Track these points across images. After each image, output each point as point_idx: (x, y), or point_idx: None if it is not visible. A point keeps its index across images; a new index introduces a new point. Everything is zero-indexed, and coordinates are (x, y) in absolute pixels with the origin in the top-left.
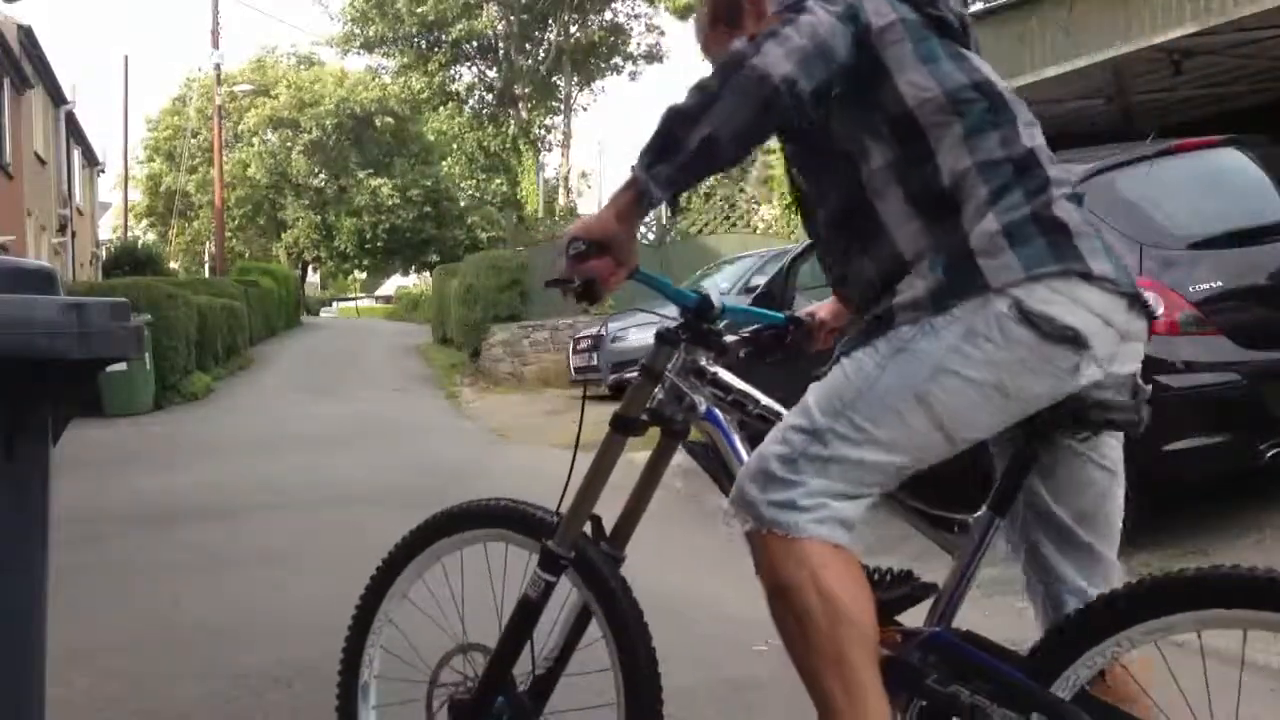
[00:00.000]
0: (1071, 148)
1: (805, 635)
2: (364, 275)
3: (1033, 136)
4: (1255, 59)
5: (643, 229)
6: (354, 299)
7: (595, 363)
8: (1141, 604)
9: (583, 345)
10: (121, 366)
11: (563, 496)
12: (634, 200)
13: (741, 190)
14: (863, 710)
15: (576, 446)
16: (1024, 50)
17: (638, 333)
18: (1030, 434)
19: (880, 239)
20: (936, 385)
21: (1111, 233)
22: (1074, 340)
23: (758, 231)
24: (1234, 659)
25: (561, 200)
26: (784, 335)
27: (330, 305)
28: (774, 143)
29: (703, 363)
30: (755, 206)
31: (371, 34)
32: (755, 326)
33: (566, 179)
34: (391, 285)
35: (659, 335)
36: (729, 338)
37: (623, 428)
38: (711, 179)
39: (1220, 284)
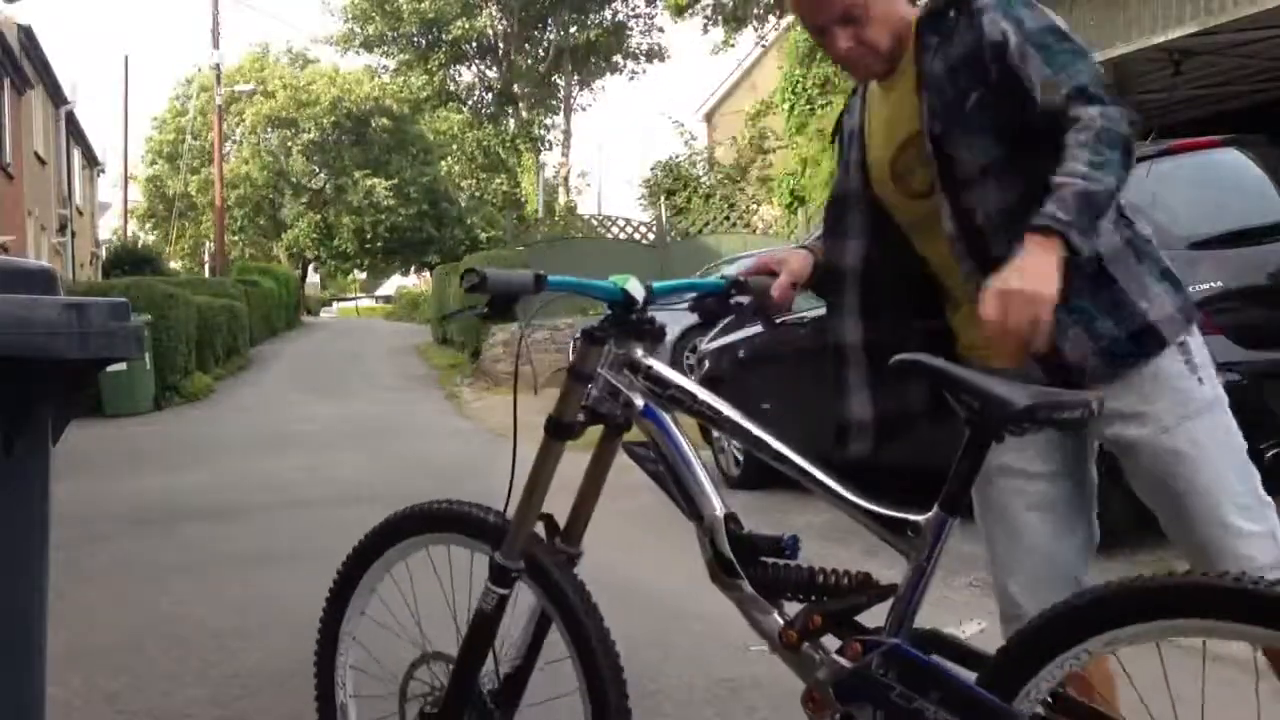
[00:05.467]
0: None
1: None
2: (364, 275)
3: None
4: (1255, 59)
5: (643, 229)
6: (354, 299)
7: None
8: (1102, 614)
9: None
10: (121, 366)
11: (508, 500)
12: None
13: (741, 190)
14: None
15: (515, 444)
16: None
17: None
18: (981, 432)
19: None
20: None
21: None
22: None
23: (757, 231)
24: (1236, 661)
25: (561, 199)
26: (725, 296)
27: (330, 305)
28: (775, 140)
29: (636, 355)
30: (755, 206)
31: (371, 32)
32: (692, 296)
33: (566, 178)
34: (391, 285)
35: (584, 333)
36: (663, 319)
37: (558, 431)
38: (712, 179)
39: (1220, 284)
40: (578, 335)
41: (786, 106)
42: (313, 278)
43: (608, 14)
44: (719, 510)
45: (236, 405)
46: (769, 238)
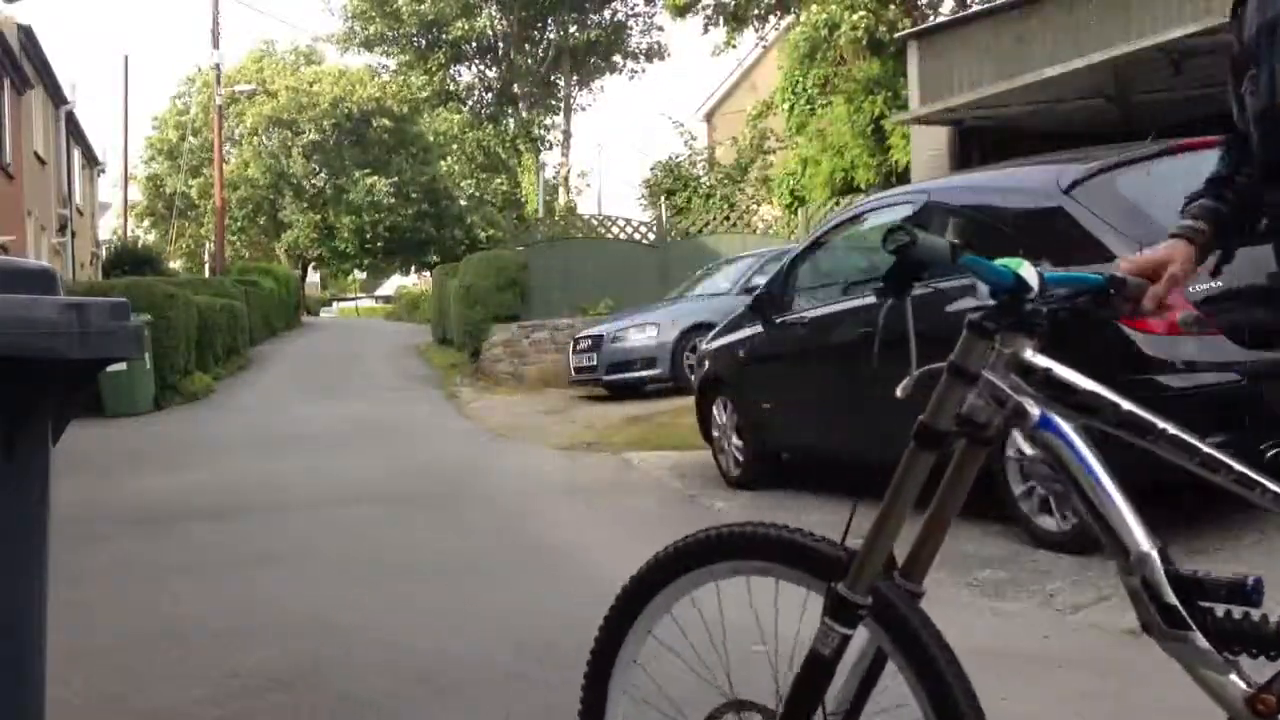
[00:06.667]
0: (1072, 148)
1: None
2: (364, 275)
3: None
4: None
5: (643, 229)
6: (354, 299)
7: (595, 363)
8: None
9: (582, 345)
10: (121, 366)
11: (847, 528)
12: None
13: (741, 190)
14: None
15: (873, 472)
16: (1024, 50)
17: (637, 333)
18: None
19: None
20: None
21: (1112, 233)
22: None
23: (757, 232)
24: None
25: (561, 200)
26: (1104, 298)
27: (330, 305)
28: (776, 141)
29: (1026, 355)
30: (755, 206)
31: (372, 32)
32: (1064, 293)
33: (566, 178)
34: (391, 285)
35: (970, 324)
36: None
37: (929, 441)
38: (712, 179)
39: (1220, 284)
40: (578, 335)
41: (786, 106)
42: (313, 278)
43: (607, 14)
44: (1147, 544)
45: (237, 405)
46: (769, 238)
